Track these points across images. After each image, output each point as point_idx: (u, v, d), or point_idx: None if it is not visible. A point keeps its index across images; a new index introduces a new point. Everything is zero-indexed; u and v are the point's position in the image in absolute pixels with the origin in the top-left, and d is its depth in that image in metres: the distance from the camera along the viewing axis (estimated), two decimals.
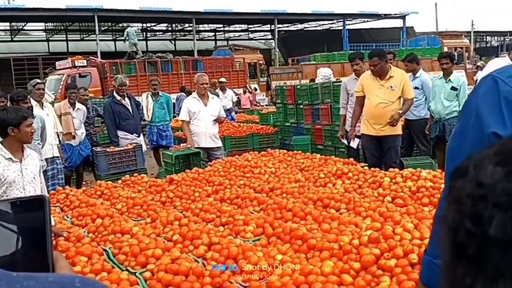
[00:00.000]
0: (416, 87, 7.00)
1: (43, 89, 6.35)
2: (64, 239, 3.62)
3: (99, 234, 3.81)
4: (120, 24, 31.97)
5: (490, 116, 1.17)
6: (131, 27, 23.21)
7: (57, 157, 6.07)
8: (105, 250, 3.47)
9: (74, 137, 6.76)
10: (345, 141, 6.64)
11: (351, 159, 5.70)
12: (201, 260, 3.17)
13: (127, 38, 19.23)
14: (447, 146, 1.35)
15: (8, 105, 5.92)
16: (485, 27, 38.84)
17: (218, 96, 9.20)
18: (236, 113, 13.07)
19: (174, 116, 10.30)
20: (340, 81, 9.93)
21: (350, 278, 2.54)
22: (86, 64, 17.54)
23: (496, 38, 48.01)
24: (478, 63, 15.34)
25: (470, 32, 31.48)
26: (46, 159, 5.75)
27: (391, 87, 5.59)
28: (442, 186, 3.79)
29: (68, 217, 4.38)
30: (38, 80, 6.72)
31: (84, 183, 7.34)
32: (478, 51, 35.63)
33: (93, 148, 7.00)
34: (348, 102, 6.55)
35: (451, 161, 1.25)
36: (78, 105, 6.97)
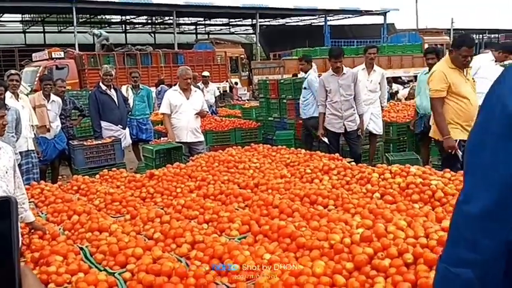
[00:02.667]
0: (304, 87, 7.24)
1: (17, 80, 6.08)
2: (38, 236, 3.42)
3: (76, 232, 3.61)
4: (99, 16, 31.34)
5: None
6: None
7: (32, 151, 5.82)
8: (81, 249, 3.28)
9: (48, 130, 6.50)
10: (326, 140, 6.51)
11: (337, 155, 5.56)
12: (185, 260, 3.01)
13: (99, 35, 18.65)
14: (467, 142, 1.23)
15: None
16: (465, 24, 39.35)
17: (202, 90, 9.04)
18: (217, 107, 12.88)
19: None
20: None
21: (343, 279, 2.41)
22: (63, 56, 17.11)
23: (474, 35, 48.74)
24: None
25: (450, 29, 31.82)
26: (20, 153, 5.50)
27: (472, 78, 5.00)
28: (433, 182, 3.71)
29: (42, 213, 4.16)
30: (13, 71, 6.43)
31: (60, 177, 7.09)
32: None
33: (70, 141, 6.75)
34: (326, 99, 6.39)
35: (473, 156, 1.12)
36: (53, 97, 6.70)
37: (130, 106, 7.98)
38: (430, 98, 4.90)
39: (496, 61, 6.25)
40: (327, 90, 6.35)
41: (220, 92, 14.83)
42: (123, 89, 8.34)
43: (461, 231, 1.10)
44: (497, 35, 42.28)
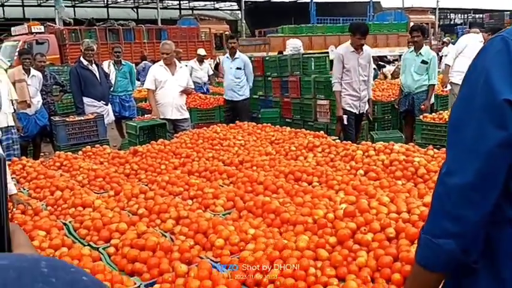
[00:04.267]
0: (238, 68, 7.29)
1: None
2: (21, 212, 3.38)
3: (59, 208, 3.58)
4: None
5: (502, 81, 1.04)
6: None
7: (12, 126, 5.70)
8: (65, 224, 3.26)
9: (29, 106, 6.37)
10: (345, 121, 5.98)
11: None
12: (169, 235, 3.01)
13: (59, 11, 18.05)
14: (449, 115, 1.23)
15: None
16: (450, 4, 39.32)
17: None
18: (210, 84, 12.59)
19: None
20: (310, 53, 9.83)
21: (326, 253, 2.44)
22: (43, 30, 16.68)
23: (459, 15, 48.92)
24: (444, 39, 15.53)
25: (435, 8, 31.81)
26: (0, 129, 5.39)
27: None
28: (416, 159, 3.76)
29: (24, 189, 4.11)
30: None
31: (42, 154, 6.99)
32: (442, 27, 36.18)
33: (51, 118, 6.63)
34: (342, 77, 5.89)
35: (455, 131, 1.13)
36: (33, 71, 6.55)
37: (113, 82, 7.83)
38: None
39: (484, 43, 6.27)
40: (345, 67, 5.84)
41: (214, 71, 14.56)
42: (105, 64, 8.17)
43: (444, 202, 1.11)
44: (481, 15, 42.46)
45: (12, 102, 5.78)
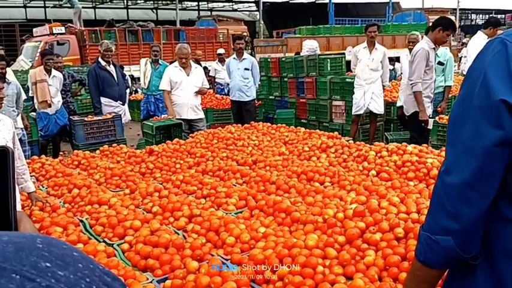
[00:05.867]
0: (246, 69, 7.28)
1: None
2: (39, 208, 3.48)
3: (76, 205, 3.68)
4: None
5: (499, 82, 1.06)
6: None
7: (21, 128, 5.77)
8: (81, 221, 3.35)
9: (50, 105, 6.51)
10: (431, 125, 5.53)
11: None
12: (182, 232, 3.07)
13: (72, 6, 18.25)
14: (449, 115, 1.26)
15: None
16: (471, 5, 38.74)
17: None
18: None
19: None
20: (327, 54, 9.82)
21: (334, 252, 2.47)
22: (64, 31, 16.96)
23: (480, 16, 48.13)
24: (464, 40, 15.33)
25: (455, 9, 31.41)
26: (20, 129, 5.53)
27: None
28: (428, 160, 3.75)
29: (43, 187, 4.23)
30: None
31: (61, 153, 7.14)
32: (463, 28, 35.68)
33: (71, 117, 6.77)
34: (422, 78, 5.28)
35: (454, 130, 1.15)
36: (54, 72, 6.69)
37: (147, 81, 7.69)
38: None
39: (488, 38, 6.17)
40: (428, 65, 5.26)
41: None
42: (142, 62, 8.12)
43: (443, 200, 1.14)
44: (503, 15, 41.74)
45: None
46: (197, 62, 10.90)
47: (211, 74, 11.09)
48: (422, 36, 6.24)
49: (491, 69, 1.09)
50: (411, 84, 5.29)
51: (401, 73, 7.21)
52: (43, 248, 0.37)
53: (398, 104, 7.23)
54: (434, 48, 5.33)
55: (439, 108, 6.29)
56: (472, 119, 1.10)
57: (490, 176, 1.08)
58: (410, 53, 6.80)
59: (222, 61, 11.33)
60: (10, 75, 6.05)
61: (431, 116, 5.61)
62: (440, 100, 6.35)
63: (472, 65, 1.17)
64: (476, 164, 1.08)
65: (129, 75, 12.15)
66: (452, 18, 25.92)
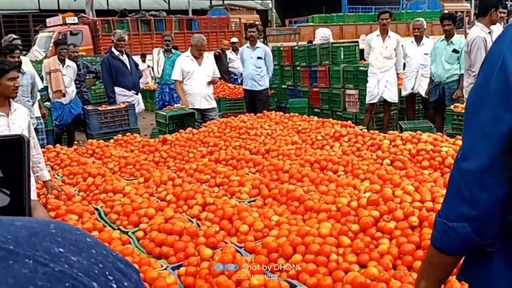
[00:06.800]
0: (259, 57, 7.20)
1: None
2: (55, 197, 3.53)
3: (91, 193, 3.72)
4: None
5: None
6: None
7: (38, 117, 5.83)
8: (96, 209, 3.38)
9: (64, 95, 6.56)
10: None
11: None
12: (195, 220, 3.09)
13: None
14: (466, 101, 1.24)
15: None
16: None
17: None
18: None
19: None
20: (340, 43, 9.73)
21: (348, 240, 2.47)
22: (77, 22, 17.05)
23: None
24: None
25: None
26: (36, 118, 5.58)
27: None
28: (443, 149, 3.71)
29: (58, 175, 4.28)
30: (14, 36, 6.48)
31: (75, 143, 7.20)
32: None
33: (85, 107, 6.82)
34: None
35: (472, 116, 1.14)
36: (68, 62, 6.73)
37: (160, 70, 7.70)
38: None
39: (494, 23, 5.78)
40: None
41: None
42: (155, 52, 8.13)
43: (459, 186, 1.13)
44: None
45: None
46: (223, 51, 10.86)
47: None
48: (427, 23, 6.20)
49: (509, 54, 1.06)
50: (474, 75, 5.10)
51: (407, 61, 7.11)
52: (56, 233, 0.37)
53: (404, 93, 7.14)
54: (490, 32, 5.27)
55: (454, 96, 6.21)
56: (490, 104, 1.08)
57: (507, 161, 1.07)
58: (415, 40, 6.75)
59: (235, 50, 11.24)
60: (27, 64, 6.10)
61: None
62: (455, 88, 6.26)
63: (489, 50, 1.15)
64: (494, 149, 1.06)
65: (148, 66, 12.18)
66: (468, 5, 25.45)
